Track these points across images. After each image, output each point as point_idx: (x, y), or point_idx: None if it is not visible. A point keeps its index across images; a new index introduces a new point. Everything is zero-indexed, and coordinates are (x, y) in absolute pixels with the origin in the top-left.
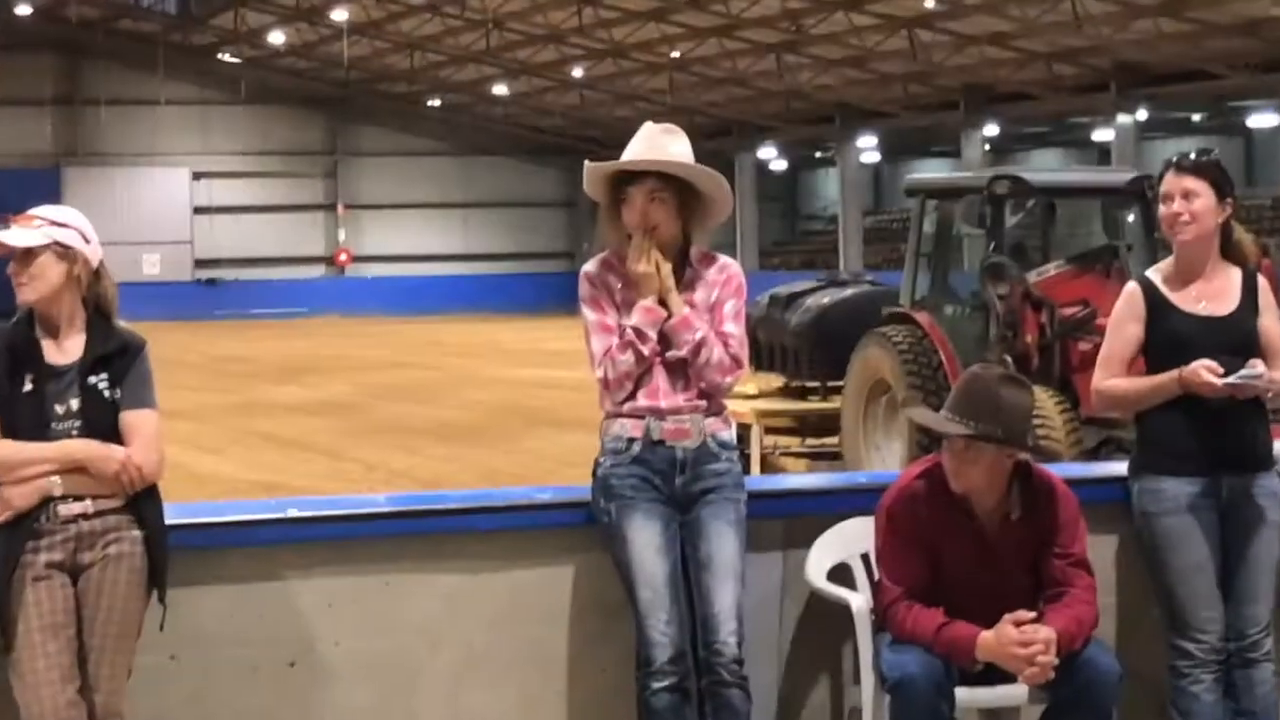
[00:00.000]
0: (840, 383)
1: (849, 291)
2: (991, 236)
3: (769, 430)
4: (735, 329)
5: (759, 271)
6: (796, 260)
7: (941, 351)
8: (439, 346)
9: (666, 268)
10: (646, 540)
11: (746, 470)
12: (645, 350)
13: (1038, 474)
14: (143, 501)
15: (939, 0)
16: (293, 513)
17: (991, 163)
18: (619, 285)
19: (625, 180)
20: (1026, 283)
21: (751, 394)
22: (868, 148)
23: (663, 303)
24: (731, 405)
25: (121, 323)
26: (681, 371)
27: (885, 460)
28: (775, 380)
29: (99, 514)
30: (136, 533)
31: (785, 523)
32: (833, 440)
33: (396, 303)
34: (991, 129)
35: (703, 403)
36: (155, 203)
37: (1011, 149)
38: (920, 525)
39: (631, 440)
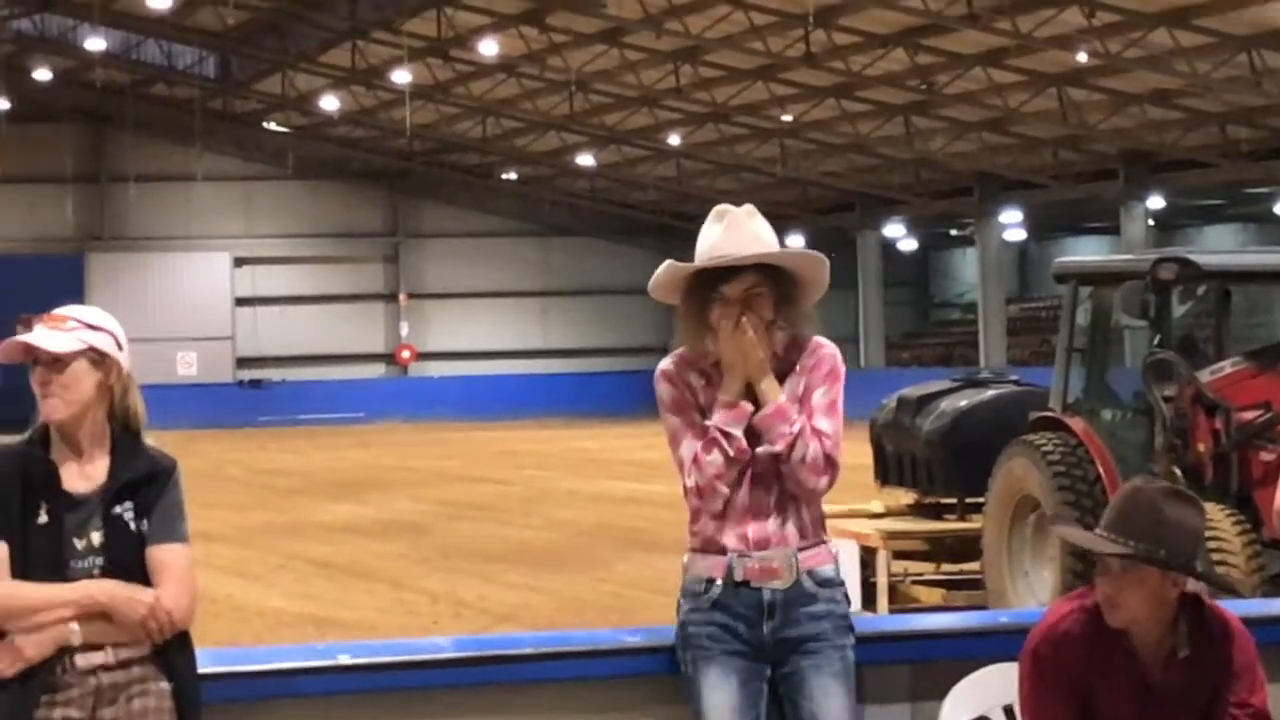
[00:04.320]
0: (980, 499)
1: (990, 393)
2: (1156, 329)
3: (898, 554)
4: (829, 425)
5: (885, 368)
6: (929, 355)
7: (1099, 463)
8: (516, 456)
9: (761, 350)
10: (721, 700)
11: (871, 601)
12: (732, 450)
13: (1210, 609)
14: (171, 648)
15: (1093, 54)
16: (343, 659)
17: (1156, 241)
18: (702, 384)
19: (717, 277)
20: (1198, 382)
21: (877, 512)
22: (1011, 224)
23: (751, 395)
24: (855, 526)
25: (148, 438)
26: (771, 498)
27: (1034, 589)
28: (904, 496)
29: (121, 664)
30: (164, 684)
31: (913, 669)
32: (972, 566)
33: (466, 406)
34: (1156, 201)
35: (794, 533)
36: (191, 293)
37: (1179, 225)
38: (1072, 670)
39: (710, 582)
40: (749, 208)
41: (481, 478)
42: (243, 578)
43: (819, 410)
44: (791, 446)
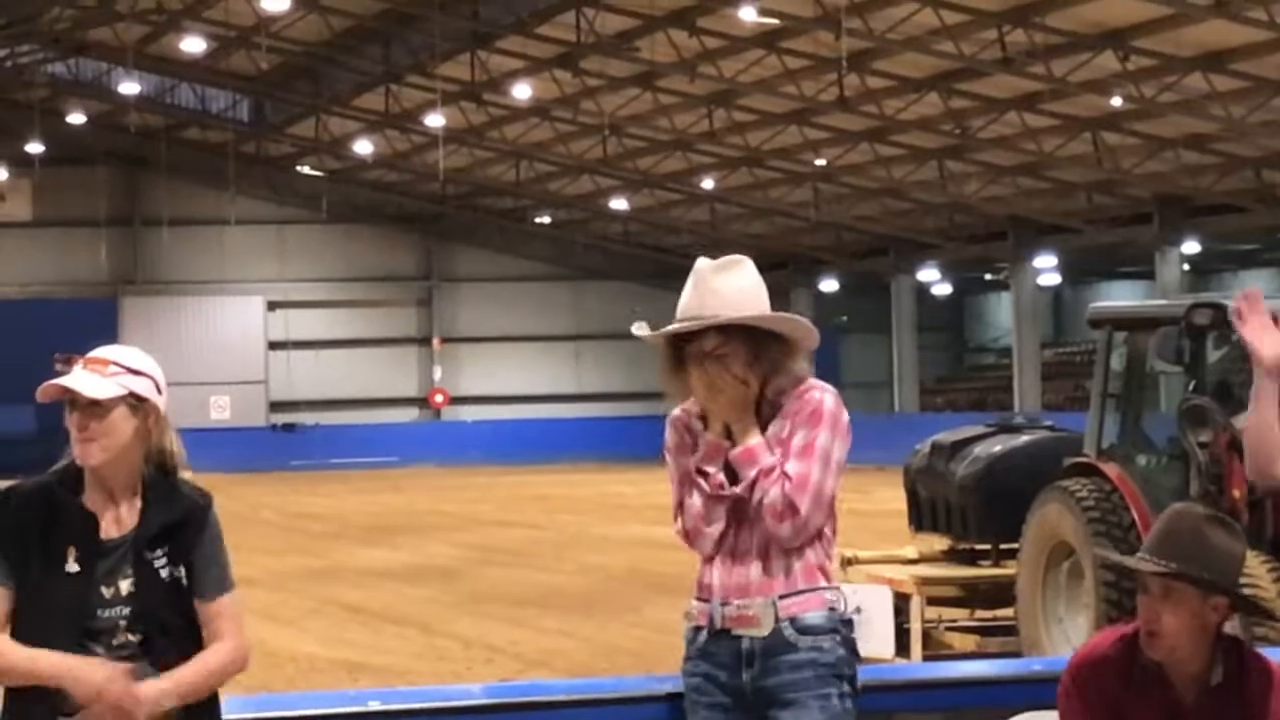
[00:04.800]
0: (1015, 545)
1: (1024, 438)
2: (1191, 374)
3: (932, 600)
4: (798, 468)
5: (920, 413)
6: (963, 400)
7: (1134, 508)
8: (549, 501)
9: (737, 391)
10: None
11: (905, 648)
12: (708, 487)
13: (1250, 652)
14: (193, 709)
15: (1127, 98)
16: (374, 705)
17: (1191, 286)
18: (701, 430)
19: (685, 335)
20: (1233, 429)
21: (912, 558)
22: (1046, 268)
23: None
24: (889, 572)
25: (186, 473)
26: (753, 543)
27: (1069, 636)
28: (939, 542)
29: None
30: None
31: (947, 717)
32: (1007, 612)
33: (500, 450)
34: (1191, 246)
35: (777, 580)
36: (225, 337)
37: (1215, 269)
38: (1108, 693)
39: (698, 630)
40: (724, 261)
41: (514, 522)
42: (276, 622)
43: (793, 453)
44: (751, 489)
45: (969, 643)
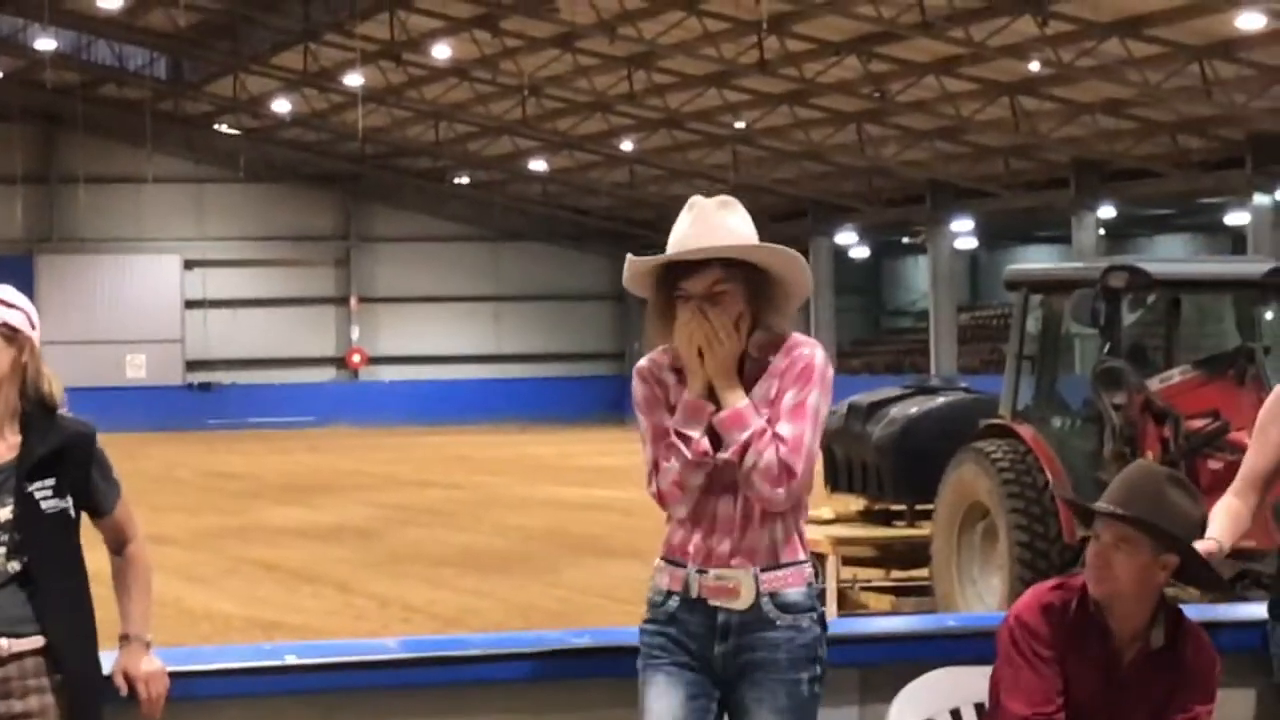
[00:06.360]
0: (930, 506)
1: (940, 400)
2: (1106, 337)
3: (847, 561)
4: (790, 429)
5: (837, 375)
6: (880, 362)
7: (1048, 470)
8: (466, 462)
9: (726, 348)
10: (664, 707)
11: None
12: (689, 453)
13: (1189, 621)
14: (69, 639)
15: (1045, 63)
16: (290, 659)
17: (1107, 250)
18: (674, 382)
19: (679, 271)
20: (1147, 390)
21: (827, 519)
22: (963, 232)
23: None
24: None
25: (65, 411)
26: (737, 510)
27: (982, 596)
28: (854, 503)
29: (14, 657)
30: (56, 679)
31: (862, 673)
32: (921, 573)
33: (417, 411)
34: (1107, 211)
35: (760, 550)
36: (141, 295)
37: (1130, 234)
38: (1050, 641)
39: (669, 594)
40: (723, 198)
41: (432, 483)
42: (191, 581)
43: (784, 414)
44: (743, 453)
45: (884, 603)
